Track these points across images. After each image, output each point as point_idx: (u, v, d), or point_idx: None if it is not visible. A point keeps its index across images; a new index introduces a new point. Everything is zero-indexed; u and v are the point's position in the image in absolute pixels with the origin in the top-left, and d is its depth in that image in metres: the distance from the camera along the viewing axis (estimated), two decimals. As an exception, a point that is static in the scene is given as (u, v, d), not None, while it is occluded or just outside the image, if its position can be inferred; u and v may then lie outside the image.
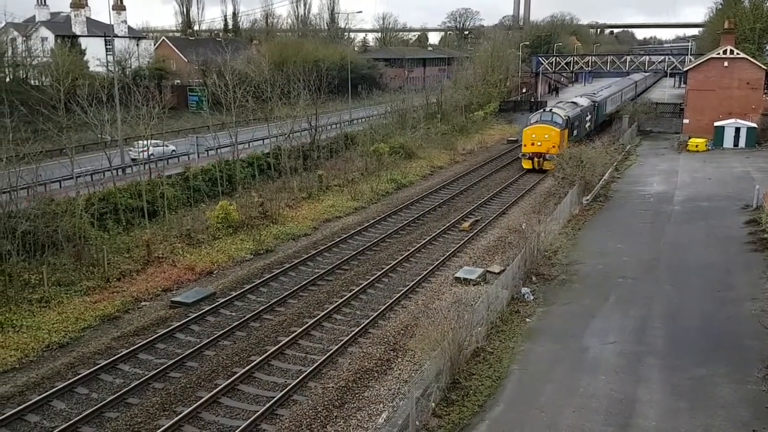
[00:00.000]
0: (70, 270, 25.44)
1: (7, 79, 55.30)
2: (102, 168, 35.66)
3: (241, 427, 15.83)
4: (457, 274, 26.44)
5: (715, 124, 55.17)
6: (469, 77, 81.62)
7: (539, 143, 46.90)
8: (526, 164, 47.99)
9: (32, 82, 57.34)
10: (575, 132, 51.94)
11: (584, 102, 58.93)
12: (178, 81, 78.25)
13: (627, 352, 19.11)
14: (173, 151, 44.68)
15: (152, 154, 39.11)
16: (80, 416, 16.37)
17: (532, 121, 48.95)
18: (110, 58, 66.55)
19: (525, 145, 48.01)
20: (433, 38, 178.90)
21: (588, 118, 58.48)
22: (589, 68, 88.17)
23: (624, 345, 19.57)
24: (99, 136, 35.97)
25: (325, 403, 17.27)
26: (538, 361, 18.80)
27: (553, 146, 46.20)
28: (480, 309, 20.07)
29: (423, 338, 17.67)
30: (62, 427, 15.92)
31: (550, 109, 50.32)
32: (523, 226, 31.85)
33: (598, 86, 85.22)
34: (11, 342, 20.35)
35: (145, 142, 35.22)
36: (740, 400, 16.16)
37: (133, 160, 39.05)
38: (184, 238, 29.97)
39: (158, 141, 42.16)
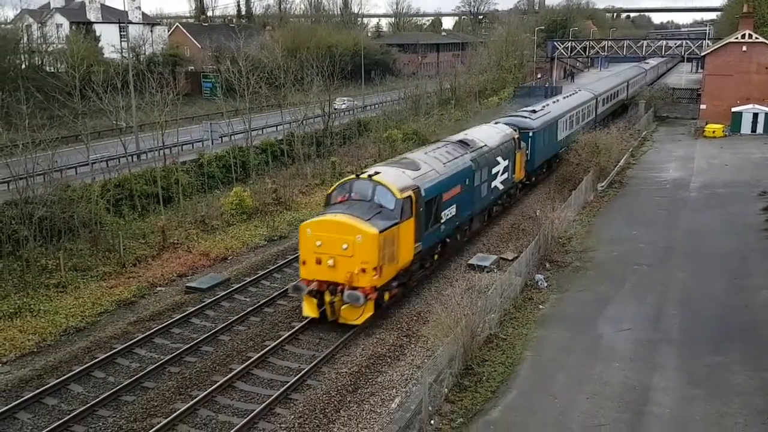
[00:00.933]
0: (86, 255, 25.72)
1: (23, 66, 55.70)
2: (117, 154, 35.92)
3: (255, 411, 15.97)
4: (470, 261, 26.34)
5: (733, 109, 54.39)
6: (484, 62, 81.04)
7: (331, 261, 19.54)
8: (307, 307, 20.70)
9: (48, 68, 57.73)
10: (444, 217, 23.84)
11: (492, 138, 29.61)
12: (192, 67, 78.60)
13: (642, 339, 19.03)
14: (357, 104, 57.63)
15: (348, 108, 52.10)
16: (97, 399, 16.59)
17: (331, 202, 21.65)
18: (124, 44, 66.80)
19: (304, 263, 20.25)
20: (447, 23, 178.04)
21: (497, 172, 29.23)
22: (606, 53, 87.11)
23: (639, 332, 19.48)
24: (114, 122, 36.26)
25: (339, 387, 17.35)
26: (552, 348, 18.77)
27: (363, 267, 19.25)
28: (493, 296, 20.04)
29: (436, 324, 17.72)
30: (80, 410, 16.14)
31: (371, 175, 21.26)
32: (538, 213, 31.68)
33: (567, 88, 64.08)
34: (29, 326, 20.61)
35: (343, 98, 48.12)
36: (756, 387, 16.07)
37: (335, 109, 47.05)
38: (199, 224, 30.16)
39: (350, 98, 51.39)
